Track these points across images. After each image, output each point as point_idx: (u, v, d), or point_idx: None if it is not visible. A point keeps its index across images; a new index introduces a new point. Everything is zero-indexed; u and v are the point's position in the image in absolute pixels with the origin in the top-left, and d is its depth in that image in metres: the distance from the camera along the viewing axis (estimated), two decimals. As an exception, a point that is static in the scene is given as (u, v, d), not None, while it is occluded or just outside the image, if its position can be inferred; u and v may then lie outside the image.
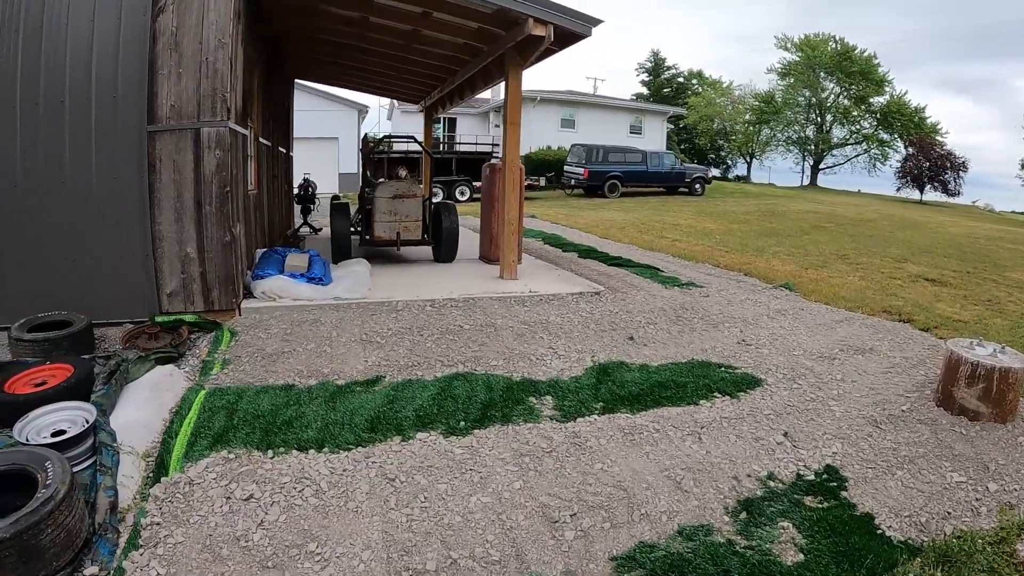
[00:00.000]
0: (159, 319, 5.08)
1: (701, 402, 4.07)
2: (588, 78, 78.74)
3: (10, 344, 4.23)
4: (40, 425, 3.29)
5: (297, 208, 11.83)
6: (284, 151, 10.73)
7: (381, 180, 7.76)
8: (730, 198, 24.00)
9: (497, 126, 31.51)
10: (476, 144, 28.51)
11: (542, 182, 24.22)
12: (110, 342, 4.83)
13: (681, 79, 46.47)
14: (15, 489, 2.55)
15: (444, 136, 32.17)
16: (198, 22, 4.81)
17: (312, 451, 3.28)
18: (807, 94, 38.77)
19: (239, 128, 5.51)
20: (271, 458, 3.21)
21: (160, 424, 3.61)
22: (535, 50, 6.10)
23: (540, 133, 28.68)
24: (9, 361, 4.05)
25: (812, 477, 3.25)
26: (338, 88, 15.19)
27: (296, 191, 11.74)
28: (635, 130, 32.33)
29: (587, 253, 9.38)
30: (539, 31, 5.78)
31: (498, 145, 29.78)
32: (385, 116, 36.94)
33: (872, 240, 12.31)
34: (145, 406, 3.76)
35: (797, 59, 38.45)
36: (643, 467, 3.22)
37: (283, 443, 3.34)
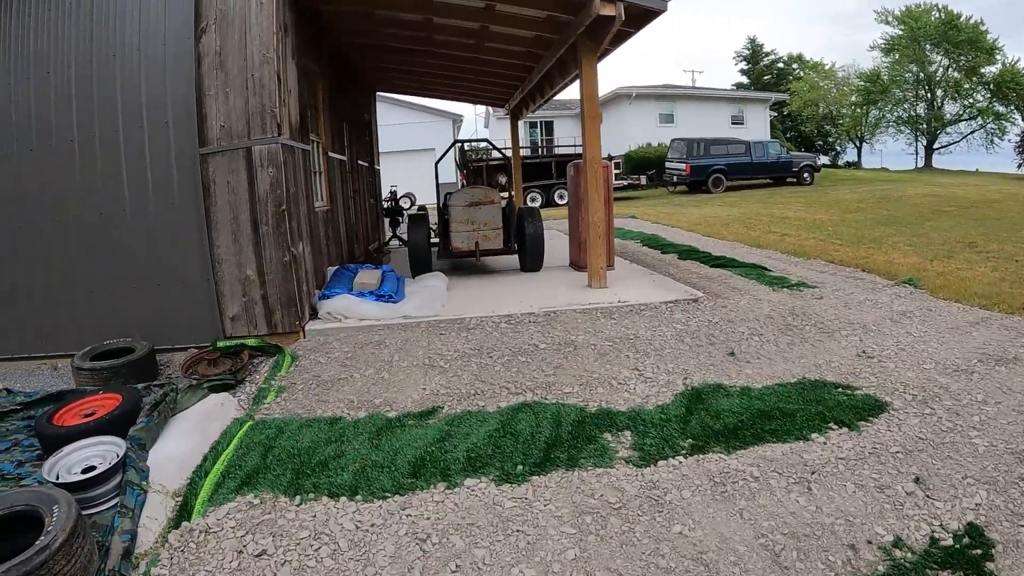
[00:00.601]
0: (220, 344, 4.97)
1: (813, 436, 3.25)
2: (685, 71, 75.20)
3: (73, 372, 4.21)
4: (72, 461, 3.12)
5: (387, 221, 11.85)
6: (367, 164, 10.73)
7: (457, 189, 7.42)
8: (841, 185, 21.69)
9: (593, 127, 30.72)
10: (574, 146, 27.88)
11: (643, 181, 23.15)
12: (175, 368, 4.75)
13: (781, 65, 43.26)
14: (27, 530, 2.35)
15: (542, 139, 31.86)
16: (241, 39, 4.66)
17: (344, 498, 2.86)
18: (914, 69, 35.37)
19: (296, 143, 5.33)
20: (297, 505, 2.82)
21: (198, 459, 3.34)
22: (607, 33, 5.45)
23: (638, 130, 27.59)
24: (69, 390, 4.01)
25: (950, 541, 2.39)
26: (421, 97, 15.15)
27: (385, 204, 11.78)
28: (737, 121, 30.34)
29: (687, 254, 8.51)
30: (607, 10, 5.14)
31: (594, 146, 29.02)
32: (482, 124, 37.32)
33: (1000, 224, 10.35)
34: (187, 439, 3.53)
35: (900, 33, 35.26)
36: (734, 531, 2.50)
37: (314, 487, 2.95)
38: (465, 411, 3.72)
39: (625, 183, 22.96)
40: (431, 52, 8.29)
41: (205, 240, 4.90)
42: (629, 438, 3.32)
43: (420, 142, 27.18)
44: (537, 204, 21.23)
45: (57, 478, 2.94)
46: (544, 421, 3.50)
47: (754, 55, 44.43)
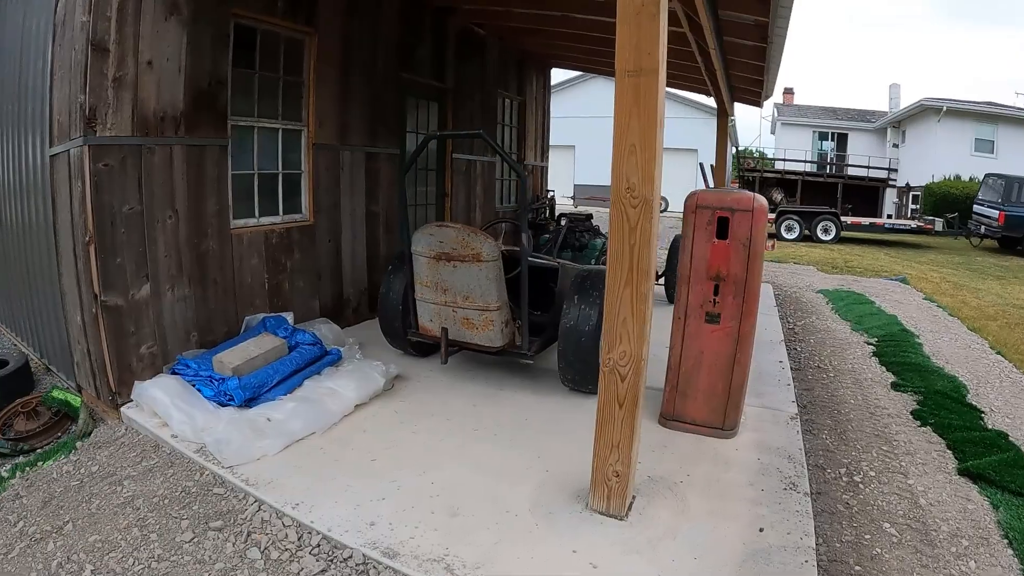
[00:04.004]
0: (55, 393, 3.68)
1: None
2: (1018, 93, 49.17)
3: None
4: None
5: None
6: (487, 159, 8.20)
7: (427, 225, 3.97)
8: None
9: (896, 145, 23.66)
10: (869, 167, 21.66)
11: (938, 225, 16.31)
12: None
13: None
14: None
15: (831, 155, 25.78)
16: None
17: None
18: None
19: (153, 140, 3.51)
20: None
21: None
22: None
23: (945, 156, 20.05)
24: None
25: None
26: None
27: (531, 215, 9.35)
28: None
29: (938, 403, 4.32)
30: None
31: (895, 170, 22.19)
32: (767, 129, 32.00)
33: None
34: None
35: None
36: None
37: None
38: None
39: (913, 225, 16.51)
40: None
41: (54, 266, 3.64)
42: None
43: (679, 139, 23.60)
44: (792, 236, 16.46)
45: None
46: None
47: None
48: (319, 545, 2.40)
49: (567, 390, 3.99)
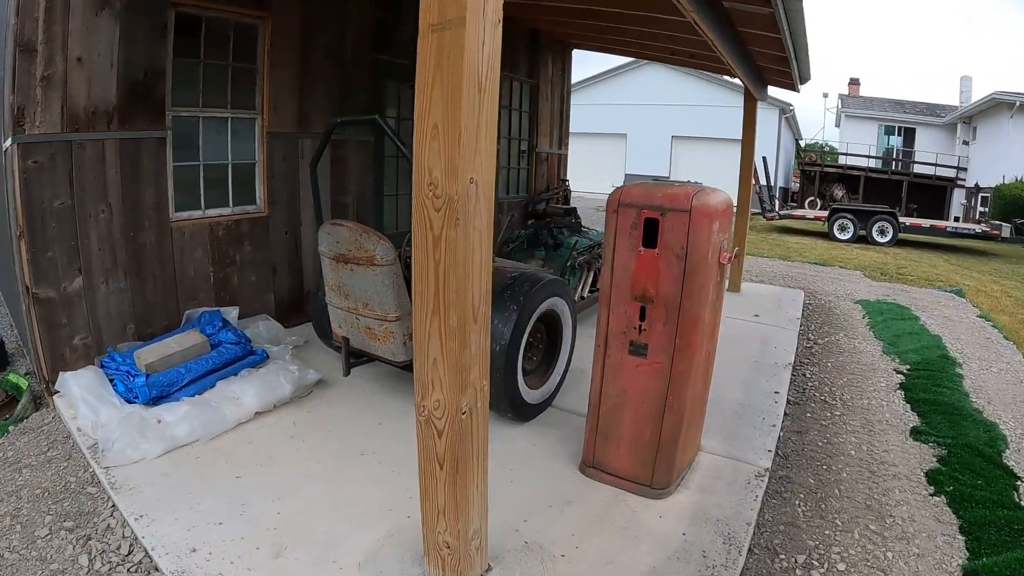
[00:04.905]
0: (10, 376, 3.76)
1: None
2: None
3: None
4: None
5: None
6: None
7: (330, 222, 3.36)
8: None
9: (966, 142, 21.48)
10: (936, 164, 19.72)
11: (1005, 231, 14.36)
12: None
13: None
14: None
15: (896, 151, 23.77)
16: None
17: None
18: None
19: (83, 135, 3.48)
20: None
21: None
22: None
23: (1018, 156, 17.87)
24: None
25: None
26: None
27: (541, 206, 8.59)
28: None
29: (964, 461, 3.33)
30: None
31: (964, 169, 20.10)
32: (831, 122, 29.84)
33: None
34: None
35: None
36: None
37: None
38: None
39: (978, 229, 14.68)
40: None
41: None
42: None
43: (725, 129, 22.15)
44: (846, 236, 15.02)
45: None
46: None
47: None
48: (140, 563, 2.30)
49: (492, 415, 3.37)
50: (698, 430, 2.88)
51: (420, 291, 1.70)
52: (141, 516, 2.46)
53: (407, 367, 3.33)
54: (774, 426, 3.52)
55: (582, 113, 26.73)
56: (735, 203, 4.97)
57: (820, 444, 3.53)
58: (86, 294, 3.56)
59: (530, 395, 3.37)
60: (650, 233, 2.34)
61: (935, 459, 3.42)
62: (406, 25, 5.87)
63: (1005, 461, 3.40)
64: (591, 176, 24.79)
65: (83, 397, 3.17)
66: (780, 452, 3.32)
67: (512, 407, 3.25)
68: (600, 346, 2.59)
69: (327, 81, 5.09)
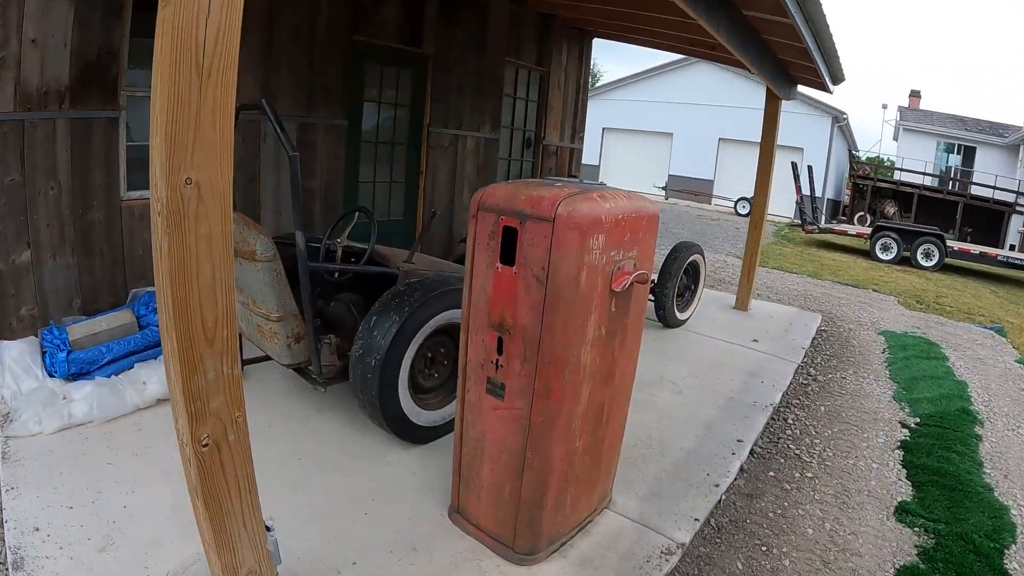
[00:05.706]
0: None
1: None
2: None
3: None
4: None
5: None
6: (494, 137, 6.99)
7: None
8: None
9: (1028, 163, 19.78)
10: (995, 187, 18.12)
11: None
12: None
13: None
14: None
15: (954, 169, 22.12)
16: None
17: None
18: None
19: (25, 115, 3.52)
20: None
21: None
22: None
23: None
24: None
25: None
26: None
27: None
28: None
29: (953, 558, 2.67)
30: None
31: (1025, 193, 18.41)
32: (889, 135, 28.02)
33: None
34: None
35: None
36: None
37: None
38: None
39: None
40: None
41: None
42: None
43: (781, 136, 20.73)
44: (888, 257, 13.82)
45: None
46: None
47: None
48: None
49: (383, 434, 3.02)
50: (590, 488, 2.28)
51: (160, 307, 1.41)
52: (12, 488, 2.46)
53: (297, 369, 3.09)
54: (716, 486, 2.90)
55: (627, 109, 25.81)
56: (747, 209, 4.30)
57: (772, 515, 2.89)
58: (34, 267, 3.67)
59: (421, 416, 2.90)
60: (508, 246, 1.78)
61: (916, 551, 2.74)
62: (392, 5, 5.59)
63: (1005, 563, 2.68)
64: (632, 175, 23.90)
65: (10, 367, 3.25)
66: (712, 522, 2.70)
67: (393, 426, 2.84)
68: (460, 378, 2.04)
69: (293, 62, 4.95)
